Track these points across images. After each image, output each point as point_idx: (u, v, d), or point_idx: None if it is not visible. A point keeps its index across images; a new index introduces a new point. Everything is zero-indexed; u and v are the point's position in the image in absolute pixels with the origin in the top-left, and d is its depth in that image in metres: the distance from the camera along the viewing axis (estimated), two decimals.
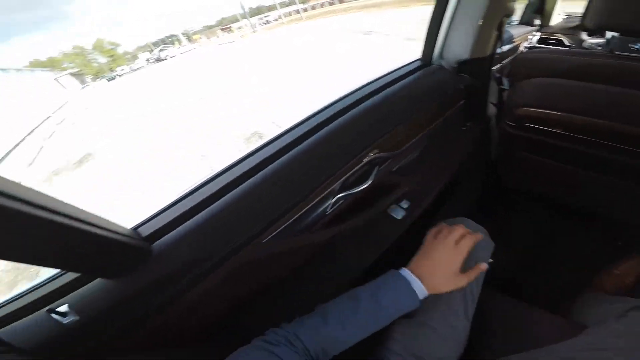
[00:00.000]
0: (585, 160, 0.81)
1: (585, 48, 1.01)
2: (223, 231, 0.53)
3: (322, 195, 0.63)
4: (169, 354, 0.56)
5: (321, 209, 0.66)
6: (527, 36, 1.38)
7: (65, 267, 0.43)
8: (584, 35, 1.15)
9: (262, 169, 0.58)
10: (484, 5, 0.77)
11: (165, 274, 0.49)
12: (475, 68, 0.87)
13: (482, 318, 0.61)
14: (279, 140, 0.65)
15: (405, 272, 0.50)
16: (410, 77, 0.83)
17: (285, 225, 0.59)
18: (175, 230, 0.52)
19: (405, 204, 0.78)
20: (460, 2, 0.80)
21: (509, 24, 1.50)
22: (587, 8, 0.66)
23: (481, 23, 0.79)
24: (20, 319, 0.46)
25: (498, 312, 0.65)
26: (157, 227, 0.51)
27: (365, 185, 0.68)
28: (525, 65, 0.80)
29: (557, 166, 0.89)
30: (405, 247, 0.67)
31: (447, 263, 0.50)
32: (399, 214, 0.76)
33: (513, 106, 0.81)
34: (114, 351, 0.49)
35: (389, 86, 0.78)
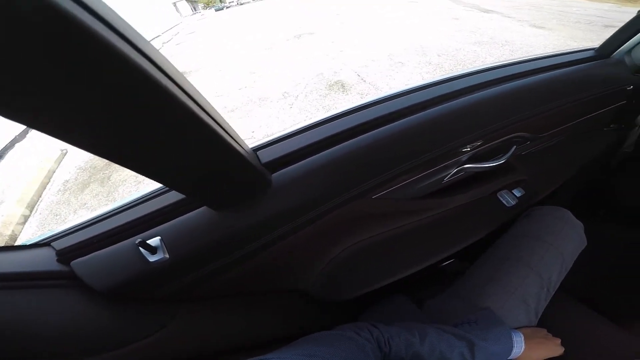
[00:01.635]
0: None
1: None
2: (341, 177, 0.49)
3: (446, 163, 0.60)
4: (250, 305, 0.53)
5: (440, 176, 0.64)
6: None
7: (180, 185, 0.36)
8: None
9: (391, 122, 0.54)
10: None
11: (283, 210, 0.44)
12: None
13: (545, 316, 0.62)
14: (416, 94, 0.61)
15: (519, 336, 0.54)
16: (579, 66, 0.79)
17: (400, 184, 0.56)
18: (296, 165, 0.47)
19: (518, 192, 0.75)
20: None
21: None
22: None
23: None
24: (101, 248, 0.41)
25: (568, 317, 0.65)
26: (276, 156, 0.47)
27: (497, 163, 0.65)
28: None
29: None
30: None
31: (546, 351, 0.56)
32: (509, 202, 0.73)
33: None
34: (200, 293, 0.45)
35: (552, 69, 0.74)
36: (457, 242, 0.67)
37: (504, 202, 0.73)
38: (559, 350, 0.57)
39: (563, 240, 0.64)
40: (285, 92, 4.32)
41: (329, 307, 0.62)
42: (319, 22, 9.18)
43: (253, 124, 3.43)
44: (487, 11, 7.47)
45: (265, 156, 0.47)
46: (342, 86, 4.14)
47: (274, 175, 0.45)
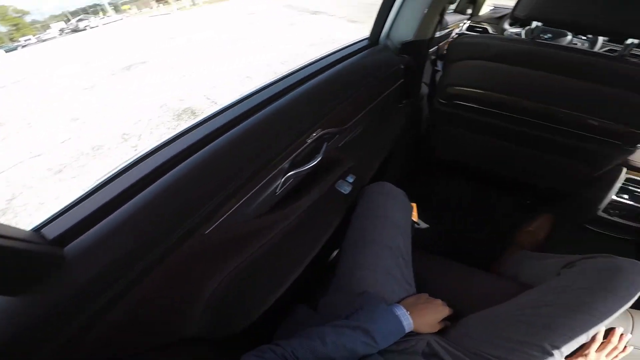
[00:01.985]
0: (498, 132, 0.94)
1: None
2: (155, 225, 0.45)
3: (270, 176, 0.60)
4: None
5: (270, 189, 0.64)
6: (459, 24, 1.53)
7: None
8: (505, 25, 1.32)
9: (197, 151, 0.52)
10: None
11: (88, 281, 0.40)
12: (415, 49, 0.95)
13: (424, 281, 0.67)
14: (217, 119, 0.60)
15: (399, 311, 0.57)
16: (358, 56, 0.87)
17: (232, 210, 0.54)
18: (92, 229, 0.43)
19: (350, 179, 0.81)
20: None
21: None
22: (518, 1, 0.75)
23: (427, 8, 0.87)
24: None
25: (437, 273, 0.71)
26: (66, 228, 0.43)
27: (316, 162, 0.68)
28: (459, 49, 0.87)
29: (476, 138, 1.02)
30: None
31: (435, 314, 0.60)
32: (346, 189, 0.78)
33: (445, 85, 0.90)
34: None
35: (338, 63, 0.80)
36: (319, 238, 0.69)
37: (342, 191, 0.78)
38: (445, 310, 0.62)
39: (392, 211, 0.70)
40: (124, 134, 3.63)
41: (234, 342, 0.59)
42: (153, 48, 8.26)
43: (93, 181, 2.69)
44: (315, 12, 8.42)
45: (51, 232, 0.42)
46: (193, 113, 3.82)
47: (67, 248, 0.41)
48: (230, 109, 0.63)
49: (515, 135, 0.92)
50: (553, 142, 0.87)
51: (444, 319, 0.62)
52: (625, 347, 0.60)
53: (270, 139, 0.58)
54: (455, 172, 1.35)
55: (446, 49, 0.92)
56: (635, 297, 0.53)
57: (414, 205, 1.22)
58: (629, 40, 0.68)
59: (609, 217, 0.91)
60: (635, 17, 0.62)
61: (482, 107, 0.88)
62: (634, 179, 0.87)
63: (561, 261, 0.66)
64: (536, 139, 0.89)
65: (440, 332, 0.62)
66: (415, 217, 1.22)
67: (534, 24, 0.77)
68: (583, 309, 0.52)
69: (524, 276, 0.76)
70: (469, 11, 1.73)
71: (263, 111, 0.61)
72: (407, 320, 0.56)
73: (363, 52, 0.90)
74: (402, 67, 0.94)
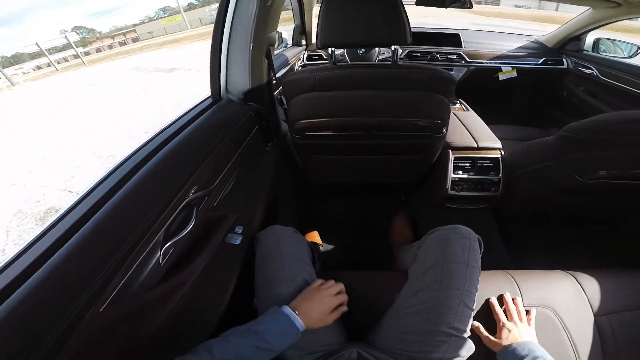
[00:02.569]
0: (353, 149, 1.02)
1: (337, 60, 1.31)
2: (44, 312, 0.43)
3: (148, 249, 0.58)
4: None
5: (153, 261, 0.61)
6: (299, 55, 1.67)
7: None
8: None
9: (75, 233, 0.51)
10: (248, 40, 0.86)
11: None
12: (258, 95, 0.97)
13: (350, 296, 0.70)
14: (82, 203, 0.58)
15: (287, 309, 0.57)
16: (204, 115, 0.84)
17: (122, 284, 0.52)
18: None
19: (239, 229, 0.82)
20: (231, 39, 0.87)
21: (285, 47, 1.76)
22: (317, 33, 0.85)
23: (251, 56, 0.88)
24: None
25: (347, 286, 0.72)
26: None
27: (189, 229, 0.66)
28: (290, 87, 0.91)
29: (338, 159, 1.09)
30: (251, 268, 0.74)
31: (322, 305, 0.61)
32: (237, 240, 0.81)
33: (292, 121, 0.93)
34: None
35: (185, 128, 0.78)
36: (225, 291, 0.72)
37: (234, 242, 0.80)
38: (332, 300, 0.63)
39: (286, 249, 0.72)
40: None
41: None
42: None
43: None
44: (170, 70, 8.06)
45: None
46: (57, 211, 3.04)
47: None
48: (93, 191, 0.61)
49: (365, 148, 1.01)
50: (394, 145, 0.99)
51: (340, 305, 0.65)
52: (528, 311, 0.67)
53: (132, 215, 0.57)
54: (338, 192, 1.47)
55: (282, 87, 0.96)
56: (474, 256, 0.62)
57: (316, 232, 1.27)
58: (393, 47, 0.86)
59: (457, 193, 1.10)
60: (381, 31, 0.80)
61: (330, 133, 0.95)
62: (459, 157, 1.08)
63: (418, 243, 0.73)
64: (381, 146, 1.00)
65: (365, 338, 0.67)
66: (319, 240, 1.26)
67: (330, 49, 0.91)
68: (447, 284, 0.59)
69: (405, 267, 0.83)
70: (303, 42, 1.92)
71: (116, 195, 0.58)
72: (297, 320, 0.56)
73: (208, 111, 0.87)
74: (252, 114, 0.94)
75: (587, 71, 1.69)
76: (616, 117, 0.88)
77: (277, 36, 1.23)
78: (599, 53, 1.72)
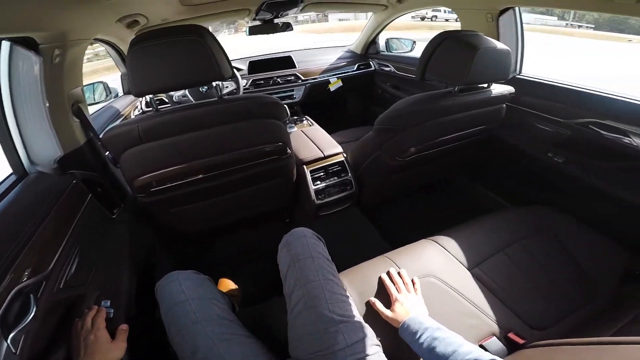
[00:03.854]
0: (210, 192, 0.97)
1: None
2: None
3: None
4: None
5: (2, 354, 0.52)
6: (135, 104, 1.52)
7: None
8: (171, 92, 1.43)
9: None
10: (40, 102, 0.75)
11: None
12: (83, 160, 0.85)
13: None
14: None
15: None
16: (9, 196, 0.68)
17: None
18: None
19: (106, 303, 0.73)
20: (15, 105, 0.74)
21: (115, 97, 1.55)
22: (129, 84, 0.78)
23: (49, 118, 0.76)
24: None
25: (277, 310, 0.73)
26: None
27: (31, 316, 0.56)
28: (111, 143, 0.80)
29: (196, 206, 1.03)
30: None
31: (96, 346, 0.58)
32: (110, 313, 0.71)
33: (129, 180, 0.84)
34: None
35: None
36: None
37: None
38: (99, 332, 0.60)
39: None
40: None
41: None
42: None
43: None
44: None
45: None
46: None
47: None
48: None
49: (224, 187, 0.98)
50: (251, 176, 0.98)
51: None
52: (413, 280, 0.73)
53: None
54: (220, 232, 1.41)
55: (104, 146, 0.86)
56: (315, 248, 0.70)
57: (224, 279, 1.19)
58: (202, 88, 0.89)
59: (323, 201, 1.20)
60: (193, 70, 0.76)
61: (178, 183, 0.88)
62: (314, 169, 1.19)
63: None
64: (239, 180, 0.98)
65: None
66: (233, 285, 1.20)
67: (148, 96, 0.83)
68: (304, 280, 0.64)
69: None
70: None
71: None
72: None
73: (13, 191, 0.70)
74: (78, 183, 0.81)
75: (387, 69, 2.09)
76: (403, 103, 1.00)
77: (90, 90, 1.10)
78: (391, 52, 2.20)
